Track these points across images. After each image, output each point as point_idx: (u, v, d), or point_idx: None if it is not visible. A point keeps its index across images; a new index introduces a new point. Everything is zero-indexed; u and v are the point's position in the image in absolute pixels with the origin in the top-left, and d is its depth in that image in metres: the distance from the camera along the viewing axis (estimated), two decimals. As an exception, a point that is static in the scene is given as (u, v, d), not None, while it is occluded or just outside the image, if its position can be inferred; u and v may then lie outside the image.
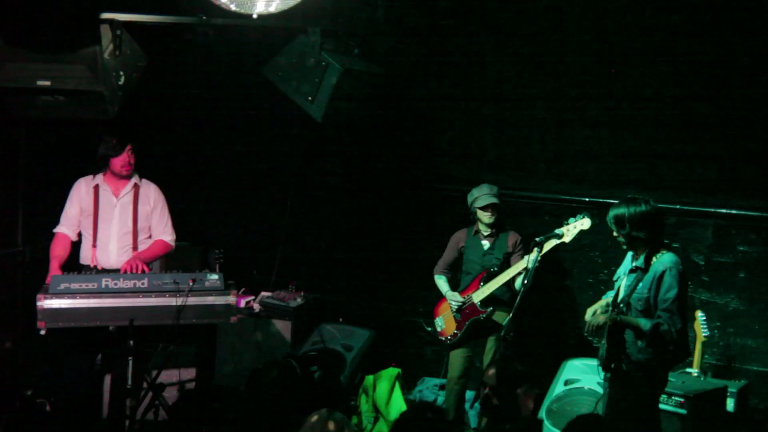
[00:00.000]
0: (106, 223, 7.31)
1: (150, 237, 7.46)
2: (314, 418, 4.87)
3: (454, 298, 7.79)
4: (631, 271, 6.31)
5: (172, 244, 7.54)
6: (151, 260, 7.37)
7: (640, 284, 6.19)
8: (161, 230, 7.48)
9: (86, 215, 7.32)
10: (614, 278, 6.55)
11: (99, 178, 7.35)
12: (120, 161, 7.25)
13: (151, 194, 7.46)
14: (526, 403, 6.11)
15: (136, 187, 7.40)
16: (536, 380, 6.35)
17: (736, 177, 7.78)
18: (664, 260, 6.15)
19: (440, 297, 7.98)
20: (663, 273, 6.09)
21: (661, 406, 6.65)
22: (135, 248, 7.34)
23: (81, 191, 7.35)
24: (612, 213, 6.27)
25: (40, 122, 7.69)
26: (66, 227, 7.35)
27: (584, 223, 7.05)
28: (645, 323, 6.05)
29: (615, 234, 6.28)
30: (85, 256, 7.33)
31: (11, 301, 8.06)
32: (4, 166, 8.15)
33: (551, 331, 8.48)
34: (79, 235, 7.38)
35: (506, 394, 6.02)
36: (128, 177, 7.37)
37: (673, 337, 6.02)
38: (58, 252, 7.26)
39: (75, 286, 6.71)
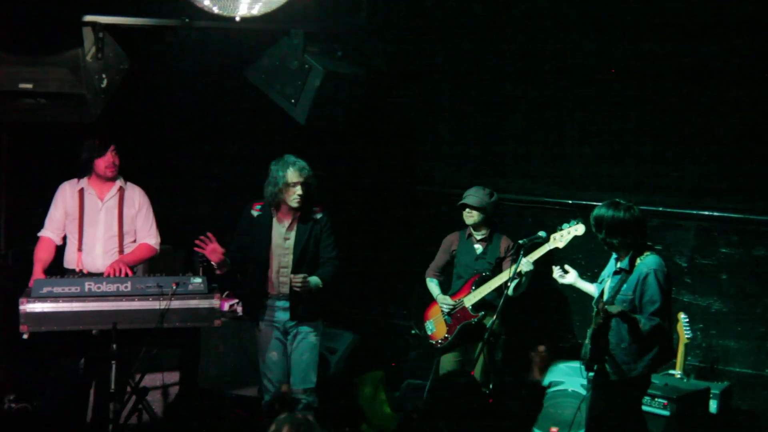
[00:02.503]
0: (92, 226, 7.29)
1: (135, 240, 7.44)
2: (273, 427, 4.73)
3: (445, 302, 7.78)
4: (616, 272, 6.34)
5: (157, 247, 7.52)
6: (136, 264, 7.36)
7: (625, 286, 6.22)
8: (146, 233, 7.46)
9: (71, 219, 7.29)
10: (599, 280, 6.57)
11: (84, 182, 7.32)
12: (104, 162, 7.22)
13: (136, 197, 7.44)
14: (538, 367, 6.08)
15: (121, 190, 7.38)
16: None
17: (718, 179, 7.82)
18: (647, 262, 6.18)
19: (431, 300, 7.96)
20: (647, 275, 6.12)
21: (645, 408, 6.68)
22: (121, 251, 7.31)
23: (66, 195, 7.32)
24: (593, 214, 6.32)
25: (23, 125, 7.66)
26: (50, 231, 7.32)
27: (578, 228, 7.07)
28: (645, 323, 6.06)
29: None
30: (71, 260, 7.30)
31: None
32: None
33: (535, 333, 8.49)
34: (64, 239, 7.36)
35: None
36: (113, 179, 7.34)
37: (656, 333, 6.07)
38: (42, 256, 7.24)
39: (58, 289, 6.68)
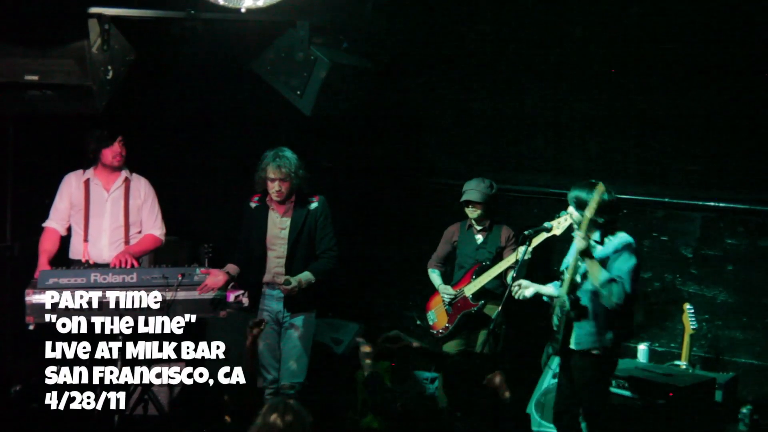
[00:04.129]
0: (98, 217, 7.30)
1: (140, 231, 7.46)
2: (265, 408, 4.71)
3: (446, 291, 7.80)
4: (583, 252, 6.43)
5: (162, 238, 7.53)
6: (141, 255, 7.37)
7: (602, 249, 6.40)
8: (151, 225, 7.47)
9: (77, 210, 7.30)
10: (561, 269, 6.67)
11: (89, 173, 7.34)
12: (111, 152, 7.24)
13: (142, 188, 7.45)
14: (502, 390, 6.14)
15: (126, 181, 7.39)
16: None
17: (723, 170, 7.80)
18: (621, 237, 6.37)
19: (433, 291, 7.98)
20: (619, 249, 6.30)
21: (650, 398, 6.71)
22: (126, 242, 7.33)
23: (71, 186, 7.34)
24: (574, 194, 6.47)
25: (29, 117, 7.68)
26: (55, 222, 7.34)
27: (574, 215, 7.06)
28: (605, 274, 6.22)
29: (570, 213, 6.51)
30: (76, 251, 7.32)
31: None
32: (-8, 161, 8.15)
33: (540, 324, 8.48)
34: (69, 229, 7.37)
35: None
36: (120, 169, 7.36)
37: (622, 298, 6.18)
38: (47, 246, 7.25)
39: (64, 280, 6.71)
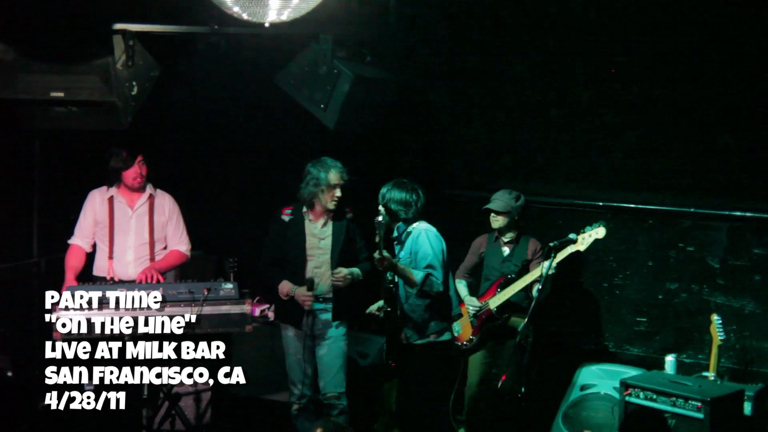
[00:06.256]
0: (123, 234, 7.33)
1: (166, 247, 7.48)
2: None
3: (471, 303, 7.78)
4: (396, 241, 7.36)
5: (188, 254, 7.56)
6: (167, 270, 7.39)
7: (402, 252, 7.26)
8: (177, 240, 7.50)
9: (102, 227, 7.33)
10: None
11: (113, 190, 7.37)
12: (132, 173, 7.28)
13: (166, 204, 7.48)
14: None
15: (151, 197, 7.42)
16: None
17: (750, 179, 7.75)
18: (418, 227, 7.27)
19: (459, 302, 7.97)
20: (418, 236, 7.15)
21: (678, 410, 6.68)
22: (152, 259, 7.36)
23: (95, 203, 7.37)
24: (387, 194, 7.35)
25: (54, 133, 7.72)
26: (80, 239, 7.38)
27: (599, 232, 7.07)
28: (418, 273, 7.11)
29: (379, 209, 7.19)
30: (101, 268, 7.35)
31: (27, 312, 8.07)
32: (18, 177, 8.18)
33: (566, 336, 8.45)
34: (93, 246, 7.40)
35: None
36: (141, 189, 7.38)
37: (440, 288, 7.12)
38: (73, 263, 7.29)
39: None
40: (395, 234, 7.20)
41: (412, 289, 7.17)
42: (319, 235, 7.29)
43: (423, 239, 7.12)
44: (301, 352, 7.30)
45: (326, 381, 7.30)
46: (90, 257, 7.43)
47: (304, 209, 7.31)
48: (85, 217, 7.39)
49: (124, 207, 7.36)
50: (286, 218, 7.32)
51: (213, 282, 6.99)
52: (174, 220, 7.50)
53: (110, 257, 7.31)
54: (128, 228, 7.35)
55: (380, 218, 7.12)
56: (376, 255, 7.02)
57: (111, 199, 7.36)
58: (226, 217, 9.45)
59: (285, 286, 7.27)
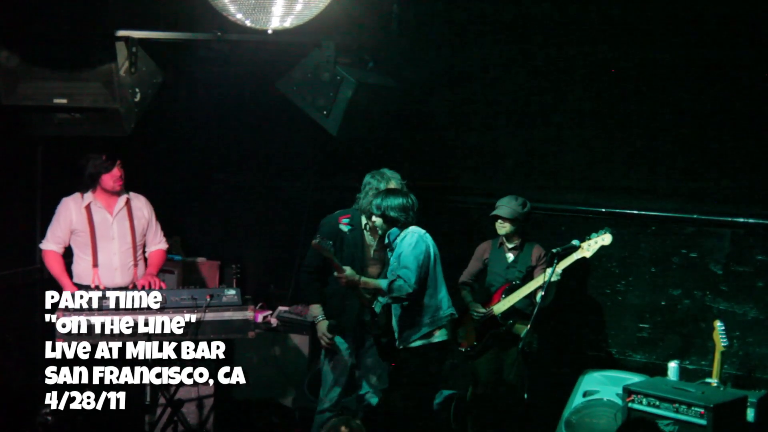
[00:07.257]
0: (106, 241, 7.32)
1: (144, 249, 7.50)
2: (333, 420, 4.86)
3: (475, 309, 7.78)
4: (388, 248, 7.13)
5: (166, 250, 7.62)
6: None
7: (393, 259, 6.95)
8: (157, 240, 7.56)
9: (82, 235, 7.30)
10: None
11: (89, 196, 7.34)
12: (112, 177, 7.27)
13: (143, 206, 7.53)
14: None
15: (128, 201, 7.42)
16: None
17: (753, 185, 7.75)
18: (409, 230, 6.99)
19: (463, 308, 7.96)
20: (403, 238, 6.93)
21: (681, 417, 6.66)
22: (135, 264, 7.36)
23: (70, 210, 7.34)
24: (382, 203, 7.00)
25: (57, 140, 7.73)
26: (54, 243, 7.35)
27: (605, 238, 7.08)
28: (383, 282, 6.92)
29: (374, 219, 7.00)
30: (84, 276, 7.32)
31: (29, 319, 8.07)
32: (21, 183, 8.19)
33: (569, 343, 8.45)
34: (65, 250, 7.39)
35: None
36: (121, 192, 7.39)
37: (408, 290, 6.79)
38: (60, 268, 7.30)
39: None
40: (387, 241, 7.12)
41: (383, 299, 7.09)
42: (374, 248, 7.35)
43: (407, 241, 6.99)
44: (343, 360, 7.36)
45: (371, 378, 7.47)
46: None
47: (364, 220, 7.30)
48: (59, 224, 7.35)
49: (103, 213, 7.34)
50: (344, 227, 7.30)
51: (215, 288, 6.99)
52: (153, 220, 7.55)
53: (95, 265, 7.28)
54: (111, 234, 7.33)
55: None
56: (336, 274, 6.92)
57: (89, 207, 7.33)
58: (229, 224, 9.46)
59: (314, 310, 7.33)
